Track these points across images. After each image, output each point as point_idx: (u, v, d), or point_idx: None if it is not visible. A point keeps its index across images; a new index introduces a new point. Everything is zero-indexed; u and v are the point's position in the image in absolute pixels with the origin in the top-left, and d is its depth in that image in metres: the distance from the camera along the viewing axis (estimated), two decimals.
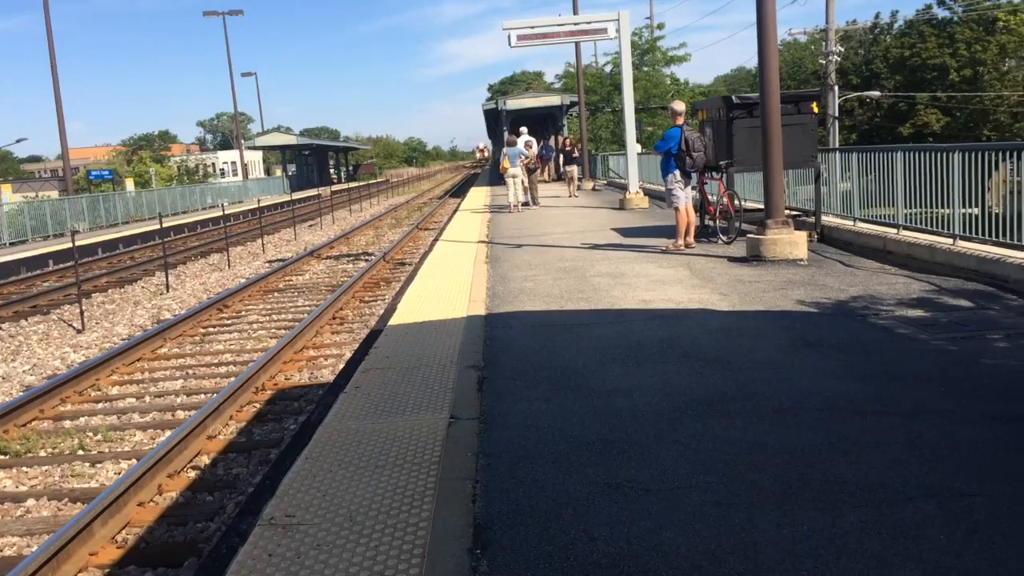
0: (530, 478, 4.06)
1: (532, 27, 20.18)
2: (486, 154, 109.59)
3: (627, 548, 3.29)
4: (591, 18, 21.30)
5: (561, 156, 29.35)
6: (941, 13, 48.42)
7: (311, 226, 31.34)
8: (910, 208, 10.43)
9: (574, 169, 26.94)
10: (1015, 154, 8.42)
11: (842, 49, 39.13)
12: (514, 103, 39.30)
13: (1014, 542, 3.13)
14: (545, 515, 3.64)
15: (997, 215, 8.66)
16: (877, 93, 43.54)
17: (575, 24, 21.54)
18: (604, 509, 3.66)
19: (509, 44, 19.89)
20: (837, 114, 35.45)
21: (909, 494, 3.60)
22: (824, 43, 35.08)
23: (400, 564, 3.29)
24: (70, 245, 16.56)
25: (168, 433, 6.87)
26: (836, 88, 34.92)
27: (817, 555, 3.12)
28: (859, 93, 44.85)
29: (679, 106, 12.26)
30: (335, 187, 46.11)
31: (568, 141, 28.70)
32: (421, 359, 6.52)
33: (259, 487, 4.51)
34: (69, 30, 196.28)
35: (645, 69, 46.48)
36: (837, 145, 32.89)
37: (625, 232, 14.89)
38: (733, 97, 12.60)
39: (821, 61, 37.21)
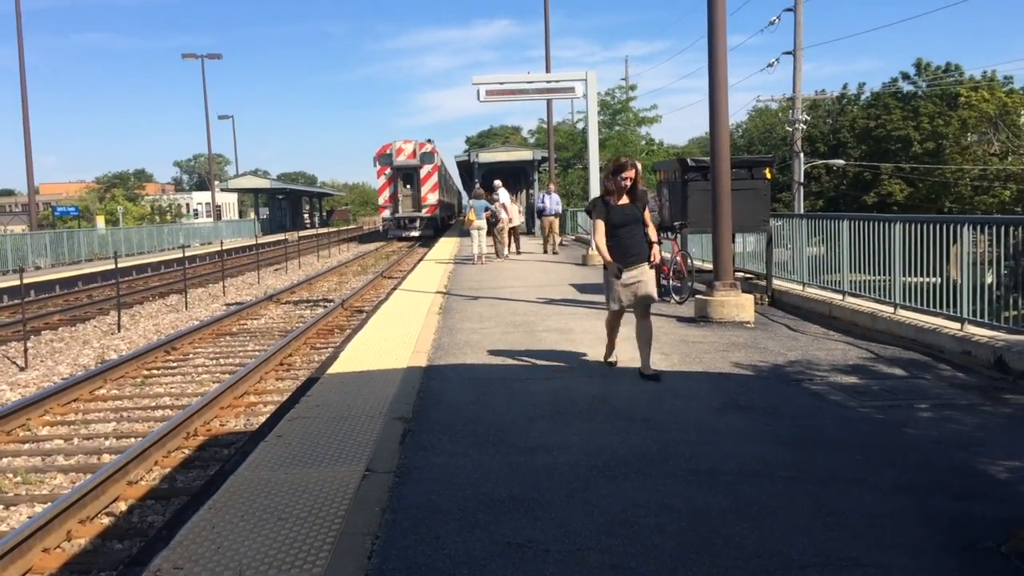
0: (432, 535, 4.00)
1: (501, 83, 20.48)
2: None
3: None
4: (559, 76, 21.67)
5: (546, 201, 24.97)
6: (906, 87, 49.85)
7: (276, 270, 31.19)
8: (857, 275, 10.59)
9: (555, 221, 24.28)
10: (953, 227, 8.58)
11: (808, 118, 40.04)
12: (487, 156, 39.66)
13: None
14: (438, 574, 3.58)
15: (934, 285, 8.79)
16: (842, 162, 44.47)
17: (545, 82, 21.90)
18: (499, 570, 3.60)
19: (478, 98, 20.16)
20: (803, 180, 36.11)
21: (804, 562, 3.58)
22: (791, 111, 35.90)
23: None
24: (28, 280, 16.37)
25: (88, 476, 6.71)
26: (802, 155, 35.63)
27: None
28: (825, 161, 45.79)
29: None
30: (303, 232, 45.92)
31: (554, 185, 26.77)
32: (351, 409, 6.45)
33: (154, 537, 4.40)
34: (46, 63, 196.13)
35: (618, 128, 47.27)
36: (802, 211, 33.48)
37: (582, 288, 14.95)
38: (688, 160, 12.81)
39: (788, 128, 38.07)
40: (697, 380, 7.37)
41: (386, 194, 45.83)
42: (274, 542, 3.94)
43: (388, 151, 45.05)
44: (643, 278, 7.30)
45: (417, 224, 45.83)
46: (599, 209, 7.41)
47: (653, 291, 7.41)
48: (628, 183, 7.21)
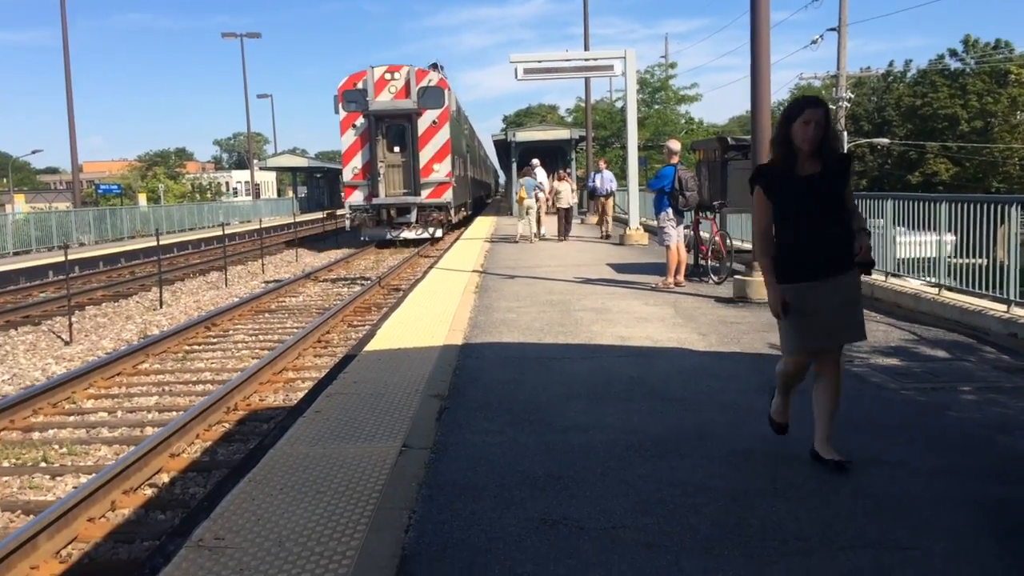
0: (468, 511, 4.02)
1: (539, 61, 20.34)
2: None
3: None
4: (598, 55, 21.48)
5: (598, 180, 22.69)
6: (953, 64, 48.71)
7: (314, 248, 31.43)
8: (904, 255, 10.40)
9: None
10: (1000, 207, 8.39)
11: (852, 96, 39.31)
12: (523, 135, 39.43)
13: None
14: (473, 549, 3.60)
15: (981, 266, 8.61)
16: (887, 140, 43.66)
17: (583, 60, 21.73)
18: (534, 546, 3.61)
19: (516, 77, 20.02)
20: None
21: (843, 544, 3.54)
22: (835, 89, 35.29)
23: None
24: (72, 257, 16.66)
25: (132, 448, 6.84)
26: (846, 134, 35.02)
27: None
28: (870, 140, 44.99)
29: (674, 145, 12.31)
30: (340, 211, 46.07)
31: (605, 161, 24.62)
32: (388, 386, 6.50)
33: (196, 508, 4.49)
34: (91, 44, 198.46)
35: (657, 107, 46.83)
36: None
37: (619, 268, 14.88)
38: (728, 138, 12.66)
39: (832, 106, 37.45)
40: (735, 361, 7.31)
41: (356, 162, 25.70)
42: (312, 515, 3.99)
43: (360, 83, 25.29)
44: (846, 296, 4.34)
45: (413, 217, 26.17)
46: (764, 182, 4.43)
47: (861, 320, 4.44)
48: (814, 129, 4.18)
